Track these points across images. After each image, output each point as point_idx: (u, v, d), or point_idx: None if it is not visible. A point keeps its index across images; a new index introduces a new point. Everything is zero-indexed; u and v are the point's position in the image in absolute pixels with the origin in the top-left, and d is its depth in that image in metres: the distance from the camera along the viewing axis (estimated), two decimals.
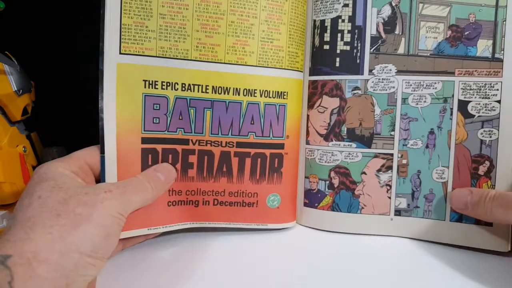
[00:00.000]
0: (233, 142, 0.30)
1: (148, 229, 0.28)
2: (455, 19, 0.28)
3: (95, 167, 0.26)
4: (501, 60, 0.28)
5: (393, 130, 0.29)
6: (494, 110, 0.28)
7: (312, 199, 0.33)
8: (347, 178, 0.31)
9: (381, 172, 0.30)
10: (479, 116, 0.28)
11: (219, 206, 0.30)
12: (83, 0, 0.39)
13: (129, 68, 0.27)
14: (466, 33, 0.28)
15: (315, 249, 0.30)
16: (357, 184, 0.31)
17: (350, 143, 0.31)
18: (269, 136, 0.31)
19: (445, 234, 0.29)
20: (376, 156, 0.30)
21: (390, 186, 0.30)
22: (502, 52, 0.27)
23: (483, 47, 0.28)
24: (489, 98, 0.28)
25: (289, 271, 0.27)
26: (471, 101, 0.28)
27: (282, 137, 0.31)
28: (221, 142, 0.30)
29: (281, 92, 0.31)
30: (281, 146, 0.31)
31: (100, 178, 0.26)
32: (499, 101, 0.28)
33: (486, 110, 0.28)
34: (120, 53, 0.26)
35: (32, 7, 0.41)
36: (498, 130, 0.28)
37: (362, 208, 0.31)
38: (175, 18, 0.27)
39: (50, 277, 0.18)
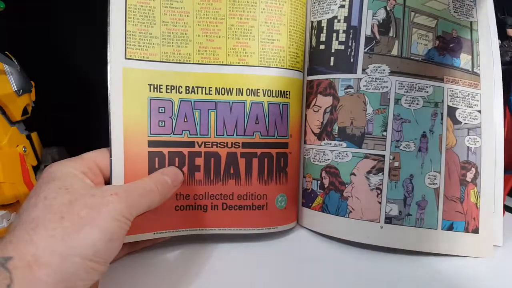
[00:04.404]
0: (239, 143, 0.31)
1: (154, 234, 0.29)
2: (442, 31, 0.30)
3: (105, 169, 0.27)
4: (478, 75, 0.29)
5: (385, 130, 0.29)
6: (477, 119, 0.29)
7: (307, 198, 0.34)
8: (336, 178, 0.30)
9: (371, 174, 0.29)
10: (465, 123, 0.30)
11: (228, 211, 0.31)
12: (84, 0, 0.41)
13: (134, 72, 0.28)
14: (450, 45, 0.29)
15: (312, 253, 0.31)
16: (346, 185, 0.30)
17: (341, 142, 0.30)
18: (274, 136, 0.32)
19: (437, 244, 0.30)
20: (366, 156, 0.29)
21: (381, 190, 0.28)
22: (478, 67, 0.29)
23: (464, 60, 0.30)
24: (472, 107, 0.29)
25: (292, 274, 0.28)
26: (458, 108, 0.29)
27: (286, 136, 0.32)
28: (227, 143, 0.31)
29: (284, 91, 0.32)
30: (286, 145, 0.32)
31: (110, 180, 0.27)
32: (480, 111, 0.29)
33: (470, 118, 0.30)
34: (126, 58, 0.28)
35: (32, 7, 0.42)
36: (481, 139, 0.28)
37: (350, 212, 0.29)
38: (177, 24, 0.29)
39: (50, 281, 0.18)
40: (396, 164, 0.30)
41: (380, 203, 0.30)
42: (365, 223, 0.30)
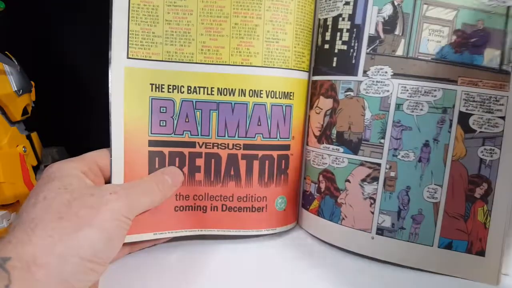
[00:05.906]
0: (240, 144, 0.31)
1: (154, 234, 0.30)
2: (462, 24, 0.27)
3: (106, 169, 0.27)
4: (509, 73, 0.25)
5: (383, 137, 0.27)
6: (497, 127, 0.26)
7: (306, 200, 0.34)
8: (332, 184, 0.30)
9: (365, 183, 0.28)
10: (480, 131, 0.26)
11: (227, 212, 0.31)
12: (84, 0, 0.42)
13: (136, 72, 0.29)
14: (472, 39, 0.26)
15: (310, 254, 0.31)
16: (341, 191, 0.29)
17: (338, 147, 0.29)
18: (276, 138, 0.32)
19: (432, 262, 0.27)
20: (362, 164, 0.28)
21: (374, 200, 0.27)
22: (510, 64, 0.25)
23: (490, 56, 0.26)
24: (492, 113, 0.26)
25: (290, 275, 0.28)
26: (473, 114, 0.26)
27: (289, 138, 0.32)
28: (228, 144, 0.31)
29: (288, 92, 0.32)
30: (287, 147, 0.33)
31: (110, 180, 0.28)
32: (503, 118, 0.26)
33: (488, 126, 0.26)
34: (128, 58, 0.28)
35: (32, 7, 0.43)
36: (500, 150, 0.25)
37: (343, 219, 0.29)
38: (180, 23, 0.29)
39: (49, 281, 0.18)
40: (392, 174, 0.28)
41: (372, 213, 0.29)
42: (357, 232, 0.30)
